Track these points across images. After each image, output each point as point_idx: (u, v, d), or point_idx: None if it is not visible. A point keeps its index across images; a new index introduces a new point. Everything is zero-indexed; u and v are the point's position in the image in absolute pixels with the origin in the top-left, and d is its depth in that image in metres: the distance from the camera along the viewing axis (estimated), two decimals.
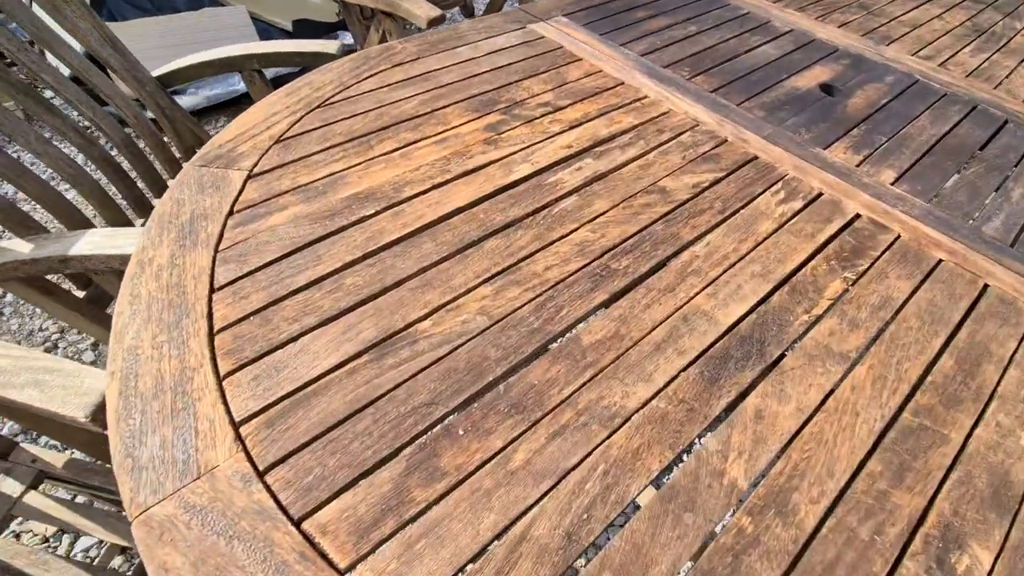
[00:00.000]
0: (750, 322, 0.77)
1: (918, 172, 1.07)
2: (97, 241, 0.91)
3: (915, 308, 0.81)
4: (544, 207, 0.91)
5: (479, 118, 1.08)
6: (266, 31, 2.73)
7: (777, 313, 0.78)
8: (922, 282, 0.85)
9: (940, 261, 0.90)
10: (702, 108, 1.17)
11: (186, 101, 2.39)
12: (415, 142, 1.01)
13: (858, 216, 0.96)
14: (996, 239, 0.95)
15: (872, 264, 0.87)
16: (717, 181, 1.00)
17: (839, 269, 0.85)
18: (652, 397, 0.67)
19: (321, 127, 1.02)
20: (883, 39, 1.52)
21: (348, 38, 2.80)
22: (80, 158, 2.11)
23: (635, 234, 0.88)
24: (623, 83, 1.23)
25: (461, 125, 1.06)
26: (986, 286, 0.87)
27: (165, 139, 1.46)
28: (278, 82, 2.47)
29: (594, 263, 0.83)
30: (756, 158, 1.07)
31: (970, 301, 0.84)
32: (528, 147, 1.02)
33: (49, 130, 1.39)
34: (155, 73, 1.43)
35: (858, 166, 1.07)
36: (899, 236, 0.93)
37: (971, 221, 0.98)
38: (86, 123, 2.05)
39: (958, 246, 0.91)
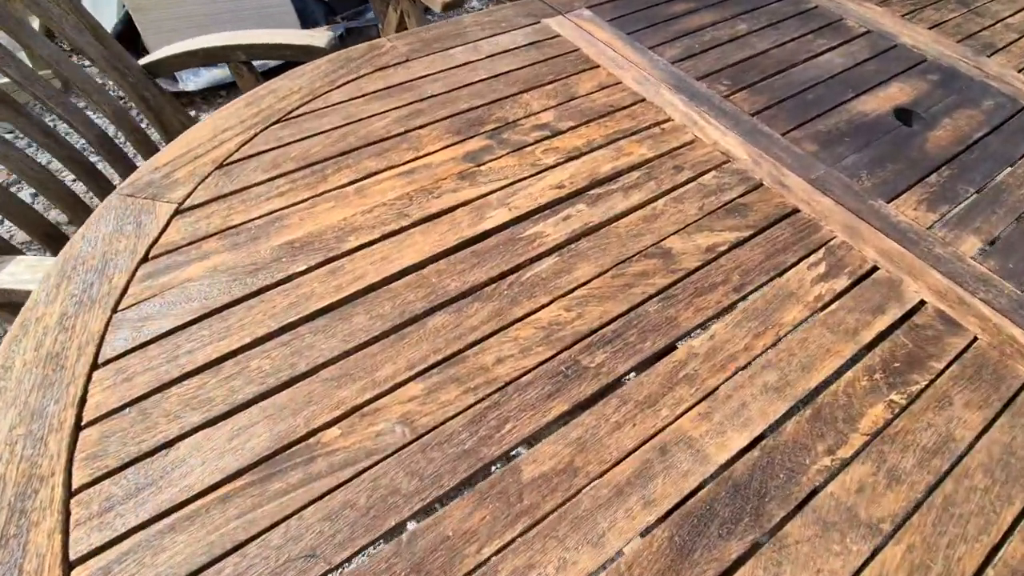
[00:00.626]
0: (750, 461, 0.59)
1: (1014, 242, 0.84)
2: (14, 272, 0.82)
3: (986, 456, 0.61)
4: (513, 271, 0.75)
5: (459, 143, 0.91)
6: (304, 6, 2.61)
7: (790, 451, 0.60)
8: (1000, 413, 0.65)
9: None
10: (737, 137, 0.95)
11: (197, 81, 2.30)
12: (377, 173, 0.86)
13: (922, 305, 0.75)
14: None
15: (932, 381, 0.66)
16: (740, 243, 0.80)
17: (884, 387, 0.65)
18: (597, 573, 0.52)
19: (274, 149, 0.88)
20: (985, 47, 1.22)
21: (342, 30, 2.64)
22: (48, 159, 2.08)
23: (620, 315, 0.71)
24: (644, 100, 1.02)
25: (436, 152, 0.90)
26: None
27: (151, 134, 1.37)
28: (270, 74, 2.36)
29: (560, 356, 0.66)
30: (796, 211, 0.86)
31: None
32: (510, 185, 0.85)
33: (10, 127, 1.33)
34: (141, 62, 1.33)
35: (931, 228, 0.84)
36: (975, 339, 0.71)
37: None
38: (56, 120, 1.99)
39: None
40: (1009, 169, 0.94)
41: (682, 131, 0.97)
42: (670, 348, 0.68)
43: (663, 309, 0.71)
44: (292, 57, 1.29)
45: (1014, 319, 0.73)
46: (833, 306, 0.73)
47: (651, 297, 0.73)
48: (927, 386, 0.66)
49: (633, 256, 0.77)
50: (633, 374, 0.65)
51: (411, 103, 0.98)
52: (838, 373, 0.66)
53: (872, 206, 0.86)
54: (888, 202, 0.88)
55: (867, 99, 1.06)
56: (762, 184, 0.89)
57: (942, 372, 0.67)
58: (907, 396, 0.64)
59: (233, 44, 1.29)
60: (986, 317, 0.72)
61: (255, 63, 1.39)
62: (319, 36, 1.27)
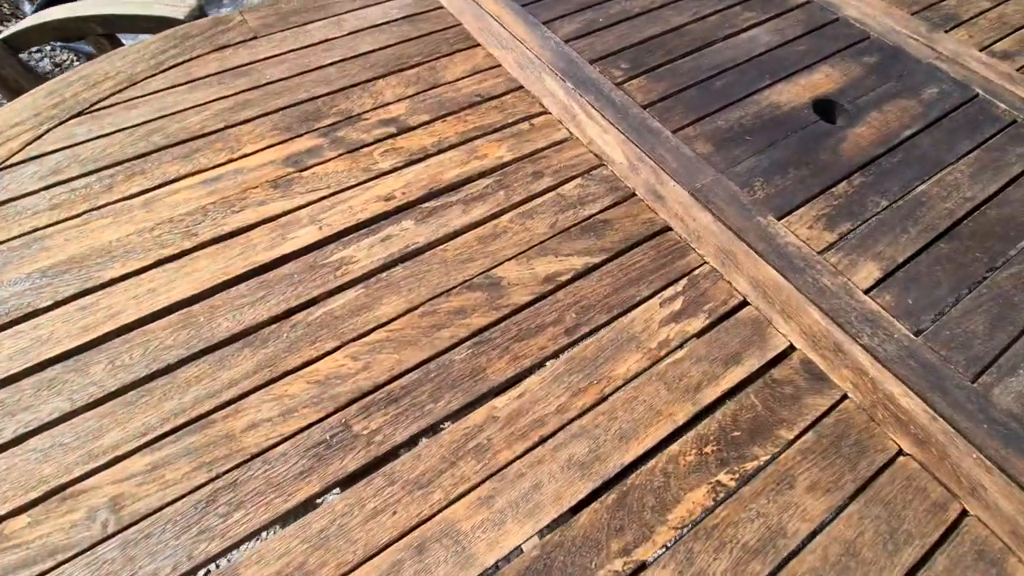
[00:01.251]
0: (523, 565, 0.49)
1: (921, 271, 0.70)
2: None
3: (819, 559, 0.50)
4: (303, 307, 0.63)
5: (284, 142, 0.78)
6: None
7: (577, 550, 0.49)
8: (851, 500, 0.53)
9: (898, 454, 0.57)
10: (618, 135, 0.81)
11: None
12: (175, 180, 0.73)
13: (789, 353, 0.63)
14: (1009, 423, 0.59)
15: (776, 456, 0.55)
16: (587, 271, 0.68)
17: (714, 464, 0.54)
18: None
19: (63, 149, 0.76)
20: (945, 20, 1.05)
21: None
22: None
23: (418, 366, 0.59)
24: (520, 88, 0.88)
25: (254, 154, 0.77)
26: (964, 513, 0.54)
27: None
28: None
29: (330, 420, 0.56)
30: (666, 230, 0.73)
31: (936, 537, 0.52)
32: (331, 195, 0.73)
33: None
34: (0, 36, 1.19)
35: (824, 252, 0.71)
36: (844, 399, 0.59)
37: (978, 380, 0.61)
38: None
39: (939, 429, 0.56)
40: (936, 176, 0.80)
41: (555, 127, 0.83)
42: (467, 409, 0.57)
43: (472, 358, 0.60)
44: (150, 30, 1.14)
45: (898, 372, 0.60)
46: (679, 354, 0.61)
47: (462, 342, 0.61)
48: (767, 463, 0.54)
49: (454, 288, 0.65)
50: (412, 445, 0.55)
51: (241, 92, 0.84)
52: (662, 444, 0.55)
53: (758, 224, 0.73)
54: (779, 218, 0.74)
55: (785, 87, 0.91)
56: (634, 195, 0.76)
57: (791, 443, 0.56)
58: (739, 476, 0.53)
59: (86, 16, 1.13)
60: (863, 370, 0.60)
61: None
62: (180, 7, 1.12)
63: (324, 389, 0.57)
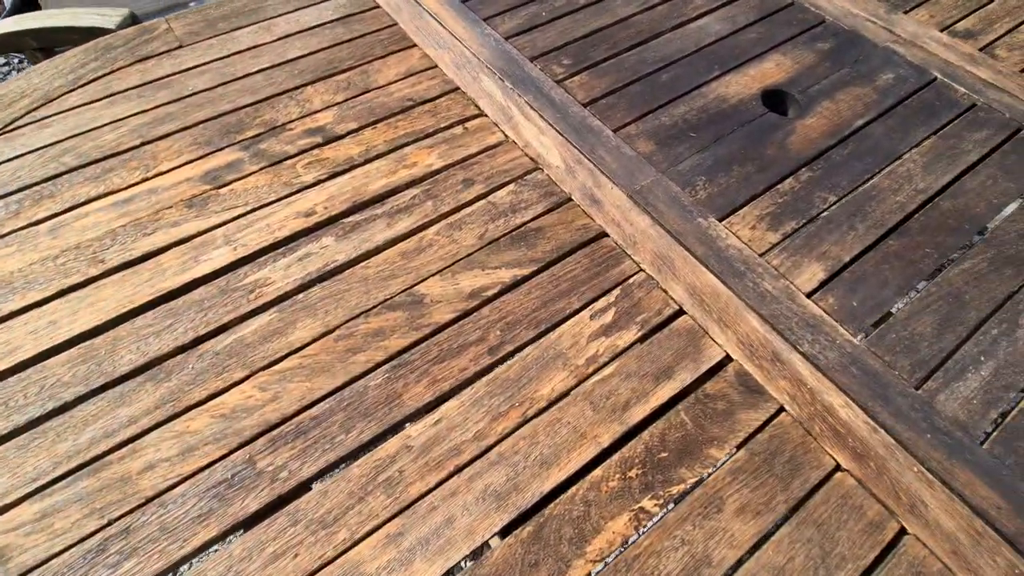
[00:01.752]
0: None
1: (867, 271, 0.67)
2: None
3: None
4: (213, 334, 0.60)
5: (203, 158, 0.75)
6: None
7: None
8: (783, 522, 0.50)
9: (835, 470, 0.54)
10: (556, 136, 0.78)
11: None
12: (86, 203, 0.70)
13: (724, 364, 0.60)
14: (954, 431, 0.55)
15: (704, 479, 0.53)
16: (516, 284, 0.65)
17: (638, 490, 0.51)
18: None
19: None
20: (903, 1, 1.01)
21: (144, 3, 2.33)
22: None
23: (330, 395, 0.56)
24: (456, 89, 0.84)
25: (170, 171, 0.74)
26: (902, 532, 0.51)
27: None
28: None
29: (233, 456, 0.53)
30: (602, 236, 0.69)
31: (870, 559, 0.49)
32: (249, 213, 0.69)
33: None
34: None
35: (766, 253, 0.68)
36: (780, 412, 0.56)
37: (923, 386, 0.58)
38: None
39: (880, 441, 0.53)
40: (888, 168, 0.76)
41: (490, 130, 0.80)
42: (379, 439, 0.54)
43: (388, 383, 0.57)
44: (82, 42, 1.11)
45: (838, 381, 0.57)
46: (608, 370, 0.58)
47: (378, 366, 0.58)
48: (695, 486, 0.51)
49: (373, 308, 0.62)
50: (319, 480, 0.52)
51: (162, 105, 0.80)
52: (585, 470, 0.52)
53: (699, 226, 0.69)
54: (721, 219, 0.71)
55: (733, 79, 0.87)
56: (570, 199, 0.73)
57: (721, 464, 0.53)
58: (663, 502, 0.50)
59: (19, 30, 1.10)
60: (802, 379, 0.57)
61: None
62: (111, 16, 1.08)
63: (229, 423, 0.54)
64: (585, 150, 0.77)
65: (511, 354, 0.59)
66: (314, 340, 0.59)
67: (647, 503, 0.50)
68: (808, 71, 0.89)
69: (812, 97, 0.85)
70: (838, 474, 0.53)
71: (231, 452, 0.52)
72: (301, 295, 0.62)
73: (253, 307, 0.61)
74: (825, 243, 0.69)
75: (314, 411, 0.55)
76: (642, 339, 0.60)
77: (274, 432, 0.53)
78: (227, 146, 0.76)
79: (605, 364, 0.58)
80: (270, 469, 0.51)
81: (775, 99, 0.86)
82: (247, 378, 0.57)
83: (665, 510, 0.50)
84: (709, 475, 0.52)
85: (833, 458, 0.54)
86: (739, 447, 0.53)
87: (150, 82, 0.84)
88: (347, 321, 0.60)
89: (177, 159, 0.74)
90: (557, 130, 0.79)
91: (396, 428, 0.54)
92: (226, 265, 0.64)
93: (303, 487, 0.51)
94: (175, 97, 0.82)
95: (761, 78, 0.87)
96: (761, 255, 0.68)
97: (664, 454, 0.52)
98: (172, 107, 0.80)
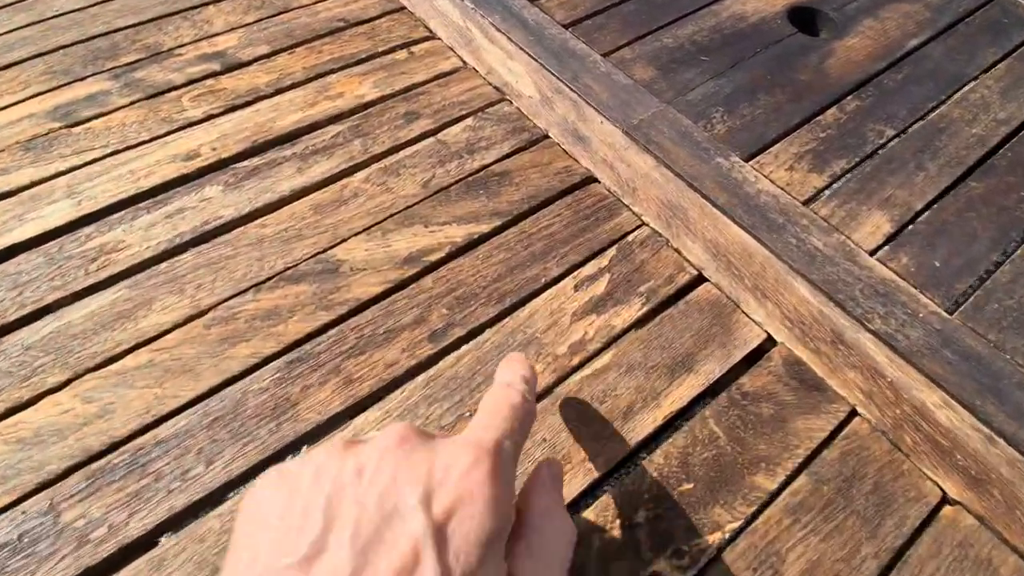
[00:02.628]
0: None
1: (944, 223, 0.50)
2: None
3: None
4: (24, 321, 0.41)
5: (57, 89, 0.56)
6: None
7: None
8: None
9: (942, 503, 0.36)
10: (528, 62, 0.60)
11: None
12: None
13: (769, 345, 0.42)
14: None
15: (753, 518, 0.35)
16: (472, 244, 0.47)
17: (650, 544, 0.33)
18: None
19: None
20: None
21: None
22: None
23: (192, 404, 0.38)
24: (403, 8, 0.66)
25: (11, 106, 0.55)
26: None
27: None
28: None
29: (24, 505, 0.34)
30: (589, 181, 0.52)
31: None
32: (104, 158, 0.51)
33: None
34: None
35: (811, 201, 0.51)
36: (853, 414, 0.40)
37: None
38: None
39: (1001, 456, 0.34)
40: (956, 95, 0.60)
41: (442, 55, 0.62)
42: (254, 472, 0.36)
43: (280, 386, 0.39)
44: None
45: (928, 370, 0.40)
46: (601, 360, 0.41)
47: (266, 362, 0.40)
48: (736, 534, 0.34)
49: (267, 280, 0.44)
50: (151, 544, 0.34)
51: (16, 30, 0.62)
52: (570, 512, 0.35)
53: (719, 167, 0.52)
54: (748, 159, 0.54)
55: None
56: (546, 137, 0.55)
57: (773, 498, 0.35)
58: (689, 563, 0.33)
59: None
60: (878, 369, 0.40)
61: None
62: None
63: (27, 453, 0.36)
64: (566, 77, 0.60)
65: (461, 341, 0.41)
66: (176, 327, 0.41)
67: (664, 567, 0.33)
68: None
69: (850, 15, 0.68)
70: (947, 508, 0.36)
71: (24, 498, 0.34)
72: (165, 264, 0.44)
73: (92, 281, 0.43)
74: (887, 186, 0.52)
75: (162, 431, 0.37)
76: (648, 316, 0.43)
77: (96, 464, 0.35)
78: (91, 75, 0.58)
79: (597, 353, 0.41)
80: (80, 524, 0.33)
81: (804, 18, 0.69)
82: (67, 383, 0.38)
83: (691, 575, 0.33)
84: (757, 516, 0.34)
85: (937, 485, 0.37)
86: (798, 471, 0.36)
87: (8, 5, 0.65)
88: (227, 299, 0.43)
89: (21, 92, 0.56)
90: (530, 54, 0.62)
91: (285, 454, 0.37)
92: (62, 225, 0.46)
93: (125, 555, 0.33)
94: (35, 19, 0.63)
95: None
96: (805, 203, 0.51)
97: (688, 486, 0.35)
98: (28, 31, 0.62)
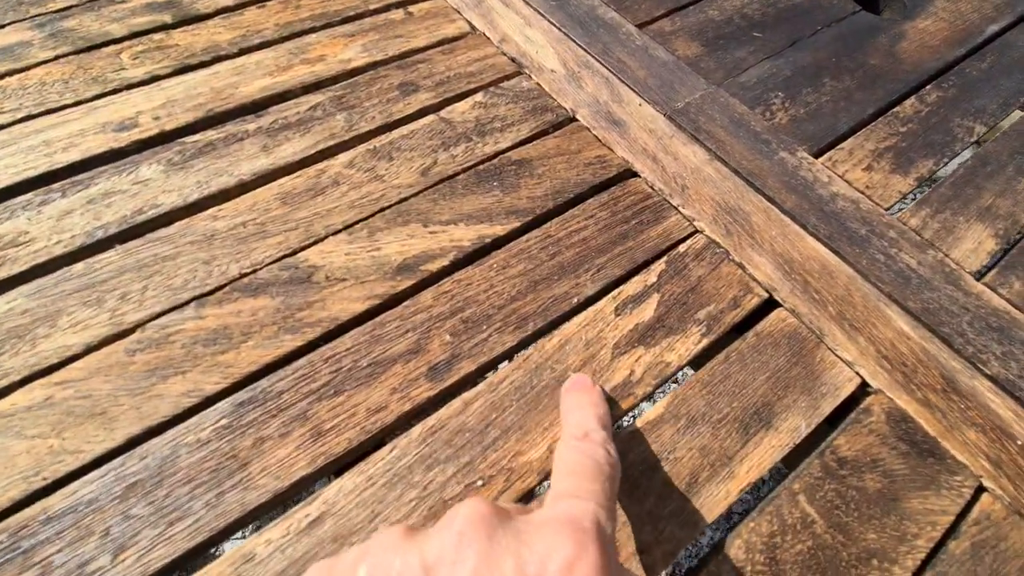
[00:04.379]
0: None
1: None
2: None
3: None
4: None
5: None
6: None
7: None
8: None
9: None
10: (550, 30, 0.50)
11: None
12: None
13: (862, 394, 0.34)
14: None
15: None
16: (484, 249, 0.37)
17: None
18: None
19: None
20: None
21: None
22: None
23: (102, 461, 0.27)
24: None
25: None
26: None
27: None
28: None
29: None
30: (628, 175, 0.43)
31: None
32: (15, 124, 0.40)
33: None
34: None
35: (894, 208, 0.42)
36: (980, 490, 0.31)
37: None
38: None
39: None
40: None
41: (446, 17, 0.52)
42: (187, 564, 0.27)
43: (222, 438, 0.29)
44: None
45: None
46: (653, 411, 0.32)
47: (209, 403, 0.30)
48: None
49: (215, 291, 0.34)
50: None
51: None
52: None
53: (783, 163, 0.43)
54: (817, 154, 0.45)
55: None
56: (573, 119, 0.46)
57: None
58: None
59: None
60: (1003, 427, 0.32)
61: None
62: None
63: None
64: (595, 51, 0.50)
65: (470, 380, 0.32)
66: (88, 351, 0.31)
67: None
68: None
69: None
70: None
71: None
72: (80, 265, 0.34)
73: None
74: (986, 193, 0.44)
75: (56, 502, 0.27)
76: (710, 351, 0.33)
77: None
78: (10, 23, 0.46)
79: (647, 399, 0.32)
80: None
81: None
82: None
83: None
84: None
85: None
86: (921, 572, 0.27)
87: None
88: (160, 314, 0.32)
89: None
90: (552, 22, 0.52)
91: (225, 538, 0.27)
92: None
93: None
94: None
95: None
96: (889, 210, 0.42)
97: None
98: None
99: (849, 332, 0.35)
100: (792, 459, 0.30)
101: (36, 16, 0.47)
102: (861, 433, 0.31)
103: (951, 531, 0.28)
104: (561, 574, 0.17)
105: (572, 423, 0.26)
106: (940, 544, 0.28)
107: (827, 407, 0.31)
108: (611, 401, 0.31)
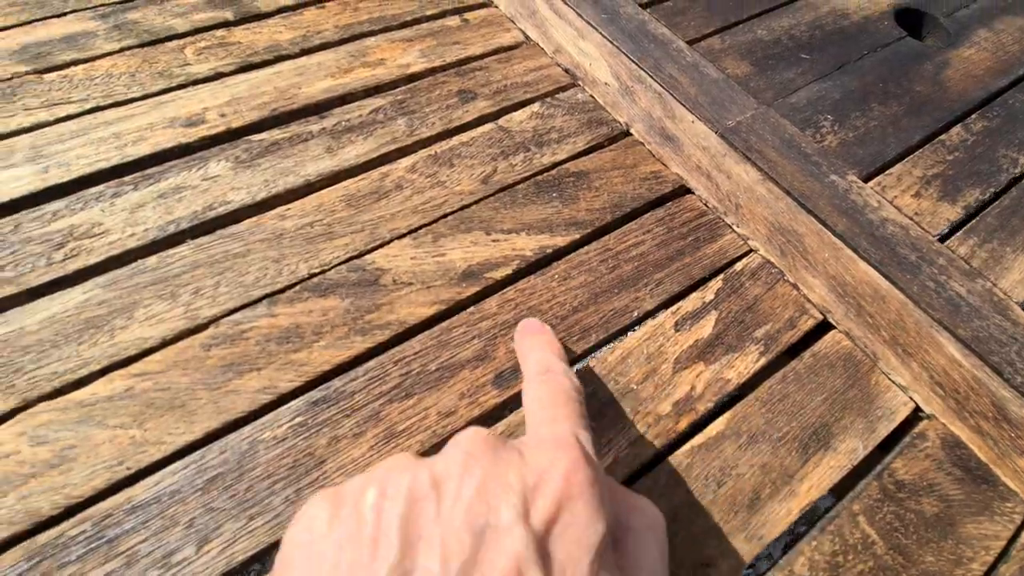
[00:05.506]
0: None
1: None
2: None
3: None
4: None
5: (29, 24, 0.45)
6: None
7: None
8: None
9: None
10: (603, 43, 0.51)
11: None
12: None
13: (916, 418, 0.35)
14: None
15: None
16: (546, 259, 0.37)
17: None
18: None
19: None
20: None
21: None
22: None
23: (180, 455, 0.28)
24: None
25: None
26: None
27: None
28: None
29: None
30: (682, 192, 0.44)
31: None
32: (83, 115, 0.40)
33: None
34: None
35: (944, 236, 0.43)
36: None
37: None
38: None
39: None
40: None
41: (501, 26, 0.53)
42: (265, 559, 0.28)
43: (298, 435, 0.30)
44: None
45: None
46: (715, 427, 0.32)
47: (284, 400, 0.31)
48: None
49: (286, 289, 0.35)
50: None
51: None
52: None
53: (834, 186, 0.44)
54: (867, 179, 0.46)
55: None
56: (627, 133, 0.46)
57: None
58: None
59: None
60: None
61: None
62: None
63: None
64: (647, 66, 0.51)
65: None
66: (164, 344, 0.32)
67: None
68: None
69: (962, 23, 0.61)
70: None
71: None
72: (154, 258, 0.35)
73: (56, 275, 0.33)
74: None
75: (139, 492, 0.27)
76: (768, 370, 0.34)
77: (45, 537, 0.26)
78: (72, 12, 0.47)
79: (709, 416, 0.32)
80: None
81: (911, 21, 0.61)
82: (12, 415, 0.28)
83: None
84: None
85: None
86: None
87: None
88: (234, 311, 0.33)
89: None
90: (604, 35, 0.53)
91: None
92: (22, 197, 0.36)
93: None
94: None
95: None
96: (938, 237, 0.43)
97: None
98: None
99: (902, 357, 0.36)
100: (847, 484, 0.31)
101: (99, 6, 0.47)
102: (917, 458, 0.31)
103: (1002, 555, 0.29)
104: (560, 481, 0.19)
105: (532, 362, 0.28)
106: (992, 567, 0.29)
107: (883, 430, 0.32)
108: (675, 414, 0.32)
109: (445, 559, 0.17)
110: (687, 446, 0.31)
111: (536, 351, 0.28)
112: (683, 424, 0.31)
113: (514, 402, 0.32)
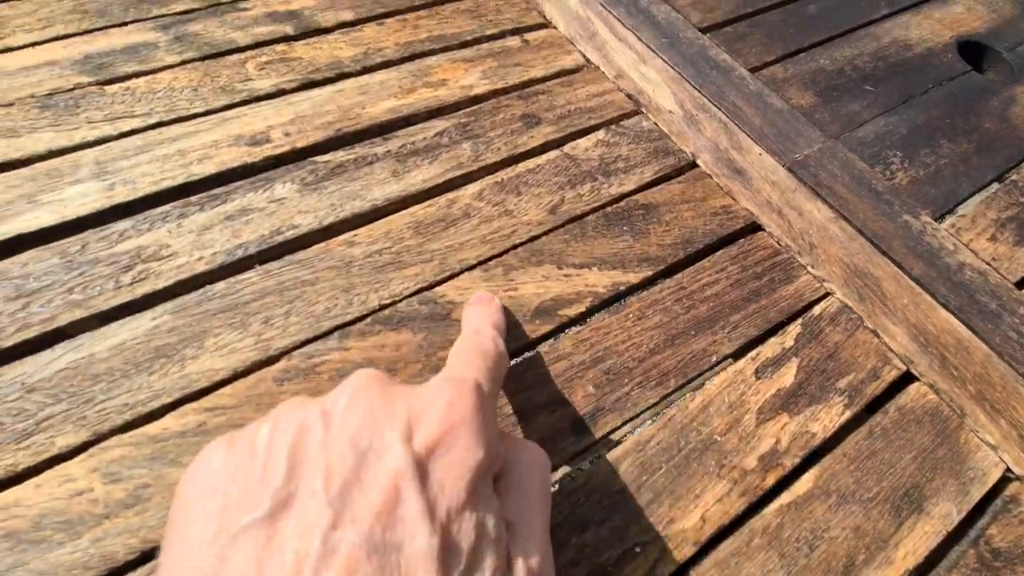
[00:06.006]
0: None
1: None
2: None
3: None
4: (25, 351, 0.31)
5: (89, 33, 0.44)
6: None
7: None
8: None
9: None
10: (665, 69, 0.50)
11: None
12: None
13: (1007, 481, 0.33)
14: None
15: None
16: (619, 296, 0.37)
17: None
18: None
19: None
20: None
21: None
22: None
23: None
24: None
25: (26, 48, 0.43)
26: None
27: None
28: None
29: None
30: (753, 228, 0.42)
31: None
32: (147, 130, 0.40)
33: None
34: None
35: (1019, 282, 0.42)
36: None
37: None
38: None
39: None
40: None
41: (562, 48, 0.52)
42: None
43: None
44: None
45: None
46: (802, 486, 0.31)
47: None
48: None
49: (358, 320, 0.34)
50: None
51: None
52: None
53: (908, 227, 0.43)
54: (939, 219, 0.45)
55: (913, 19, 0.61)
56: (694, 165, 0.45)
57: None
58: None
59: None
60: None
61: None
62: None
63: (21, 556, 0.24)
64: (709, 93, 0.50)
65: (612, 438, 0.31)
66: (236, 376, 0.31)
67: None
68: (1010, 24, 0.63)
69: None
70: None
71: None
72: (222, 284, 0.34)
73: (125, 299, 0.32)
74: None
75: None
76: (853, 424, 0.33)
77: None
78: (133, 21, 0.46)
79: (795, 472, 0.31)
80: None
81: (974, 53, 0.60)
82: (83, 448, 0.28)
83: None
84: None
85: None
86: None
87: None
88: (305, 343, 0.32)
89: (41, 31, 0.44)
90: (665, 60, 0.52)
91: None
92: (88, 215, 0.35)
93: None
94: None
95: (952, 24, 0.61)
96: (1018, 284, 0.42)
97: None
98: None
99: (991, 414, 0.34)
100: (947, 548, 0.30)
101: (159, 17, 0.47)
102: (1012, 523, 0.30)
103: None
104: (444, 407, 0.20)
105: (466, 325, 0.29)
106: None
107: (976, 493, 0.31)
108: (761, 470, 0.30)
109: (328, 477, 0.18)
110: (775, 504, 0.29)
111: (475, 318, 0.29)
112: (770, 480, 0.30)
113: (593, 450, 0.31)
